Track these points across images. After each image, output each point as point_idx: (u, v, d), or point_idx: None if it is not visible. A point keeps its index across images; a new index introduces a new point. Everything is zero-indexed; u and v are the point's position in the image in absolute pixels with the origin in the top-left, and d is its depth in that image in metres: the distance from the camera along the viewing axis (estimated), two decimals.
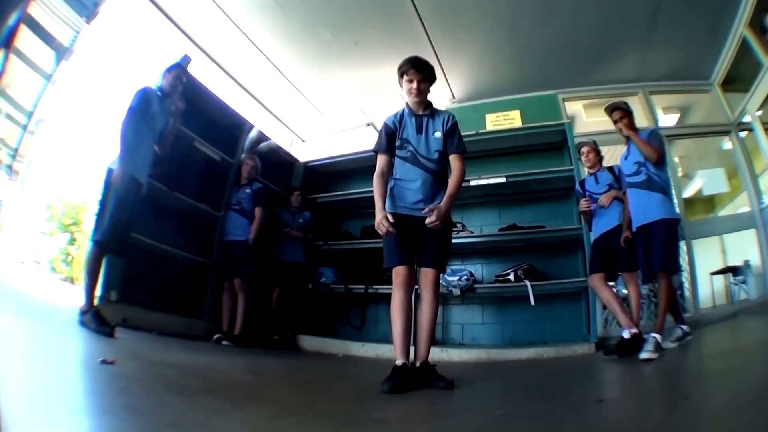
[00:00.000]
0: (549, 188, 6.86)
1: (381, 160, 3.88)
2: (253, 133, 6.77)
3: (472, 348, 6.22)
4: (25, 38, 5.61)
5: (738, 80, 7.87)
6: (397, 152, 3.82)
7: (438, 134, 3.74)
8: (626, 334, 4.91)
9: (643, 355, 4.33)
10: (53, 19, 5.82)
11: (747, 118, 7.73)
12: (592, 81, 8.58)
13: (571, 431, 2.12)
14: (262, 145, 6.91)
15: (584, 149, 5.87)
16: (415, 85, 3.67)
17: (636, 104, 8.46)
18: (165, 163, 5.37)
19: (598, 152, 5.87)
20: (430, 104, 3.86)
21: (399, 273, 3.55)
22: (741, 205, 8.73)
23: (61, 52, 6.06)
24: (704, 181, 10.21)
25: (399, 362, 3.31)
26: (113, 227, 4.43)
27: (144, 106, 4.74)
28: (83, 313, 4.19)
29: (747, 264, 8.36)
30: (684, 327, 4.85)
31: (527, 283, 6.16)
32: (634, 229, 5.02)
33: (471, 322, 6.90)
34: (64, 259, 19.55)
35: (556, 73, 8.30)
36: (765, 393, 2.39)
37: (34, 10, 5.61)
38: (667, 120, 9.28)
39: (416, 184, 3.69)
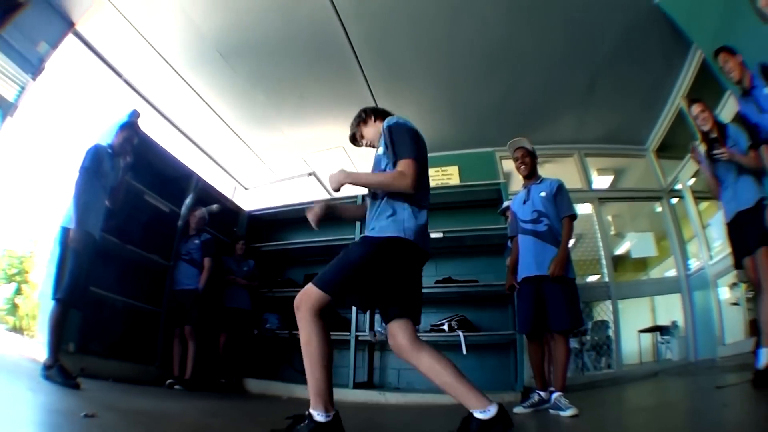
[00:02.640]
0: (484, 244, 7.05)
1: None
2: (189, 200, 6.86)
3: (407, 392, 6.41)
4: None
5: (672, 148, 8.26)
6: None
7: (380, 150, 3.27)
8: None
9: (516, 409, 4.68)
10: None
11: (679, 186, 8.14)
12: (530, 141, 8.90)
13: None
14: (198, 212, 6.93)
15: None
16: (361, 139, 3.56)
17: (571, 165, 8.92)
18: (116, 217, 5.49)
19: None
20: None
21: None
22: (669, 268, 9.05)
23: (6, 108, 6.10)
24: (633, 244, 10.60)
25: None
26: (74, 284, 4.53)
27: (96, 165, 4.87)
28: (47, 368, 4.30)
29: (674, 324, 8.64)
30: (542, 394, 4.68)
31: (460, 333, 6.35)
32: (519, 277, 4.92)
33: (407, 368, 6.99)
34: (10, 310, 19.31)
35: (494, 132, 8.68)
36: None
37: None
38: (601, 181, 9.70)
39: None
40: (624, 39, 6.63)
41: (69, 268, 4.55)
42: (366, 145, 3.53)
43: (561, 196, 4.89)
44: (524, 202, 5.05)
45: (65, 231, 4.70)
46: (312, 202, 3.06)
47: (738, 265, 4.46)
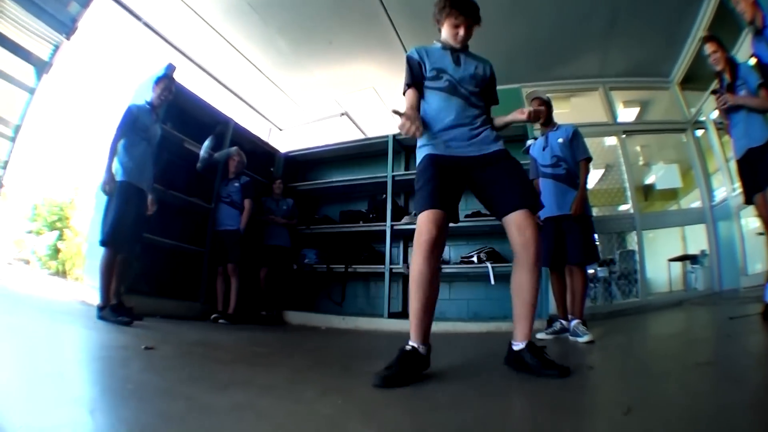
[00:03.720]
0: None
1: (410, 95, 3.15)
2: (208, 143, 6.91)
3: (439, 321, 6.60)
4: (2, 57, 5.91)
5: (696, 80, 8.12)
6: (429, 83, 3.15)
7: (481, 70, 3.18)
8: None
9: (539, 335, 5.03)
10: (30, 37, 6.09)
11: (703, 118, 8.07)
12: (555, 76, 8.96)
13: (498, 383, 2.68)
14: (217, 154, 7.15)
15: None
16: (462, 32, 3.11)
17: (596, 98, 8.95)
18: (160, 165, 5.76)
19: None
20: (467, 45, 3.26)
21: (427, 222, 2.76)
22: (695, 199, 8.95)
23: (41, 66, 6.29)
24: (658, 176, 10.57)
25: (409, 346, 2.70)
26: (122, 230, 4.89)
27: (130, 122, 5.15)
28: (101, 308, 4.68)
29: (704, 253, 8.54)
30: (563, 322, 5.07)
31: (488, 264, 6.60)
32: (542, 217, 5.15)
33: (439, 298, 7.21)
34: (52, 255, 19.81)
35: (520, 68, 8.63)
36: None
37: (9, 31, 5.90)
38: (627, 114, 9.62)
39: (455, 116, 3.03)
40: None
41: (116, 217, 4.87)
42: (463, 37, 3.17)
43: (576, 141, 5.17)
44: (543, 149, 5.32)
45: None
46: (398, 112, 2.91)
47: (748, 200, 4.52)
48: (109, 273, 4.84)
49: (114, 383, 2.31)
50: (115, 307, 4.71)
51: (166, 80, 5.64)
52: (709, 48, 4.74)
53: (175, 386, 2.29)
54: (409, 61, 3.23)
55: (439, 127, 3.05)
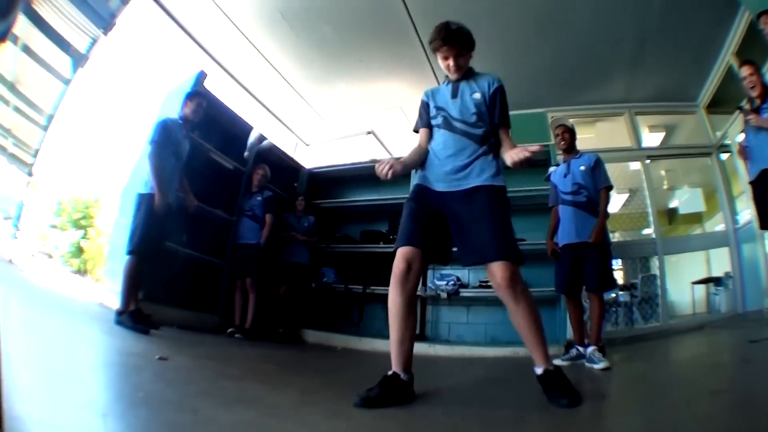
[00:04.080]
0: (532, 204, 7.14)
1: (420, 136, 3.38)
2: (253, 138, 7.03)
3: (456, 345, 6.69)
4: (41, 44, 5.85)
5: (723, 103, 8.03)
6: (433, 122, 3.28)
7: (477, 95, 3.17)
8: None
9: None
10: (71, 27, 6.09)
11: (728, 141, 8.01)
12: (580, 101, 8.91)
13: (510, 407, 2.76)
14: (264, 143, 7.26)
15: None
16: (452, 62, 3.17)
17: (621, 123, 8.93)
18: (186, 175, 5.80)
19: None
20: (470, 69, 3.34)
21: (399, 258, 2.87)
22: (719, 222, 8.83)
23: (77, 59, 6.31)
24: (681, 201, 10.55)
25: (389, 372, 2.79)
26: (149, 241, 5.02)
27: (165, 137, 5.26)
28: (120, 313, 4.75)
29: (728, 275, 8.45)
30: (580, 348, 5.04)
31: None
32: (560, 243, 5.32)
33: (457, 322, 7.42)
34: (75, 253, 20.01)
35: (545, 93, 8.65)
36: None
37: (51, 18, 5.86)
38: (652, 138, 9.59)
39: (448, 151, 3.12)
40: None
41: (145, 227, 5.01)
42: (454, 68, 3.23)
43: (598, 170, 5.22)
44: (565, 176, 5.38)
45: (141, 197, 5.12)
46: (376, 160, 3.03)
47: (764, 225, 4.54)
48: (133, 281, 4.92)
49: (126, 390, 2.38)
50: (134, 314, 4.75)
51: (199, 97, 5.76)
52: (745, 71, 4.75)
53: (183, 398, 2.33)
54: (420, 106, 3.42)
55: (434, 162, 3.16)
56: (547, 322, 6.25)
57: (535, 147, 2.75)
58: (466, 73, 3.28)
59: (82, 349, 3.41)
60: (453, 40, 3.13)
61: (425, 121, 3.34)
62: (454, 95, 3.22)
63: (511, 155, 2.83)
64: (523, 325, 2.80)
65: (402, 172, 3.02)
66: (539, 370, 2.77)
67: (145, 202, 5.11)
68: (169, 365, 3.21)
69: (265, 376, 3.65)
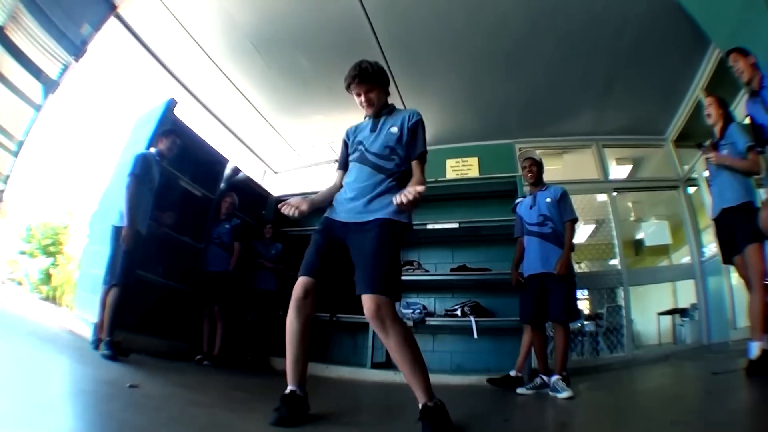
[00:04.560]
0: (498, 233, 7.21)
1: (335, 176, 3.56)
2: (229, 170, 7.03)
3: None
4: (13, 70, 5.92)
5: (692, 137, 8.01)
6: (350, 157, 3.42)
7: (395, 129, 3.26)
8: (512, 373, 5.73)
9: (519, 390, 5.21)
10: (42, 54, 6.10)
11: (696, 175, 8.15)
12: (548, 133, 9.08)
13: None
14: (240, 175, 7.28)
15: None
16: (363, 98, 3.32)
17: (589, 156, 9.04)
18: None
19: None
20: (391, 105, 3.47)
21: (299, 285, 3.07)
22: (686, 255, 8.98)
23: (49, 85, 6.33)
24: (647, 233, 10.75)
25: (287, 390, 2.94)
26: (130, 273, 5.17)
27: (145, 171, 5.36)
28: (99, 340, 4.85)
29: (694, 307, 8.53)
30: (544, 377, 5.08)
31: (472, 318, 6.70)
32: (526, 274, 5.41)
33: (422, 350, 7.00)
34: (44, 280, 19.83)
35: (513, 124, 8.84)
36: None
37: (23, 44, 5.89)
38: (620, 171, 9.75)
39: (357, 183, 3.21)
40: (643, 33, 6.63)
41: (126, 260, 5.11)
42: (366, 103, 3.37)
43: (564, 203, 5.34)
44: (531, 207, 5.50)
45: (117, 230, 5.20)
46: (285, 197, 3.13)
47: (726, 260, 4.60)
48: (116, 311, 4.97)
49: (98, 419, 2.39)
50: (112, 343, 4.75)
51: (174, 135, 5.91)
52: (706, 101, 4.90)
53: (154, 427, 2.36)
54: (342, 144, 3.62)
55: (344, 196, 3.28)
56: (513, 352, 6.31)
57: (419, 189, 2.75)
58: (387, 109, 3.43)
59: (54, 377, 3.40)
60: (362, 77, 3.26)
61: (342, 161, 3.54)
62: (374, 129, 3.35)
63: (398, 195, 2.81)
64: (397, 359, 2.84)
65: (308, 210, 3.19)
66: (420, 405, 2.78)
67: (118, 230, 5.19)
68: (140, 393, 3.21)
69: (235, 404, 3.65)
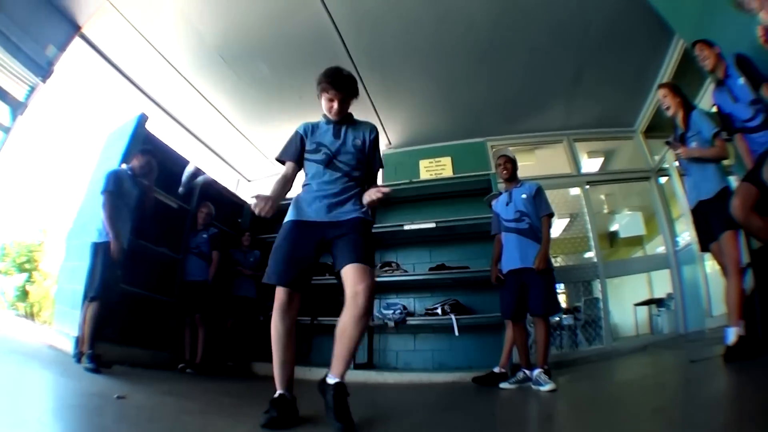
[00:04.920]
0: (475, 231, 7.29)
1: (287, 167, 3.54)
2: (189, 168, 6.87)
3: (405, 372, 6.80)
4: None
5: (660, 128, 8.20)
6: (309, 156, 3.44)
7: (359, 141, 3.41)
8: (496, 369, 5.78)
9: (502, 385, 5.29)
10: (8, 77, 6.10)
11: (666, 165, 8.21)
12: (519, 129, 9.15)
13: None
14: (200, 178, 7.13)
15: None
16: (336, 105, 3.34)
17: (561, 150, 9.11)
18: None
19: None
20: (350, 115, 3.55)
21: (281, 291, 3.11)
22: (660, 245, 9.02)
23: (16, 107, 6.27)
24: (621, 225, 10.84)
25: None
26: (110, 286, 5.22)
27: (117, 187, 5.45)
28: (81, 354, 4.87)
29: (670, 296, 8.68)
30: (526, 371, 5.16)
31: (452, 316, 6.81)
32: (505, 270, 5.47)
33: (404, 349, 7.50)
34: (20, 297, 19.66)
35: (485, 122, 8.87)
36: None
37: None
38: (592, 164, 9.81)
39: (329, 187, 3.30)
40: (608, 28, 6.70)
41: (105, 274, 5.19)
42: (337, 110, 3.41)
43: (539, 198, 5.43)
44: (507, 204, 5.57)
45: (95, 246, 5.31)
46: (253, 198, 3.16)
47: (704, 249, 4.65)
48: (97, 324, 5.01)
49: None
50: (93, 355, 4.77)
51: (149, 155, 6.00)
52: (660, 93, 4.94)
53: None
54: (292, 136, 3.61)
55: (309, 196, 3.35)
56: (493, 347, 6.36)
57: (385, 189, 3.09)
58: (346, 117, 3.50)
59: (40, 393, 3.40)
60: (341, 85, 3.33)
61: (295, 154, 3.51)
62: (337, 136, 3.42)
63: (368, 194, 3.14)
64: (351, 338, 2.90)
65: (276, 205, 3.20)
66: (334, 380, 2.86)
67: (101, 250, 5.28)
68: (129, 404, 3.21)
69: (224, 409, 3.67)
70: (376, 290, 3.03)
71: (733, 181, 4.54)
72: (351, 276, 2.91)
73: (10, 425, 2.21)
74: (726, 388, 3.33)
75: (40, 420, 2.44)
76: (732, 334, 3.97)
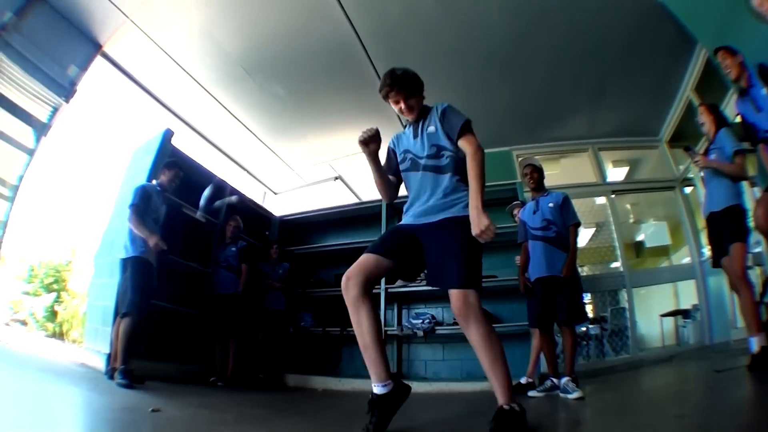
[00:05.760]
0: (501, 240, 7.22)
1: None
2: (206, 193, 6.81)
3: (433, 381, 6.81)
4: (2, 119, 5.98)
5: (685, 137, 8.14)
6: (402, 167, 3.37)
7: (431, 128, 3.23)
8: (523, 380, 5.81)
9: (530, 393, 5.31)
10: (31, 100, 6.24)
11: (691, 174, 8.17)
12: (544, 138, 9.18)
13: None
14: (217, 203, 7.10)
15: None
16: (403, 105, 3.25)
17: (586, 159, 9.11)
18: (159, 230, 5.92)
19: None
20: (425, 107, 3.38)
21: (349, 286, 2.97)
22: (686, 255, 9.05)
23: (39, 128, 6.39)
24: (647, 235, 10.76)
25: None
26: (143, 301, 5.25)
27: (144, 202, 5.51)
28: (113, 370, 4.94)
29: (696, 307, 8.62)
30: (554, 380, 5.13)
31: None
32: (532, 278, 5.47)
33: (433, 359, 7.51)
34: (49, 317, 19.85)
35: (509, 131, 8.92)
36: None
37: (9, 93, 6.02)
38: (617, 173, 9.77)
39: (422, 190, 3.17)
40: (630, 37, 6.74)
41: (136, 289, 5.24)
42: (404, 110, 3.31)
43: (566, 207, 5.44)
44: (534, 212, 5.58)
45: (124, 261, 5.40)
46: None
47: (716, 264, 4.71)
48: (131, 340, 5.07)
49: None
50: (126, 371, 4.84)
51: (176, 168, 6.04)
52: (699, 110, 4.98)
53: None
54: (387, 152, 3.51)
55: (410, 205, 3.23)
56: (522, 356, 6.37)
57: (483, 225, 2.73)
58: (422, 112, 3.34)
59: (75, 409, 3.46)
60: (399, 84, 3.22)
61: (392, 168, 3.43)
62: (416, 135, 3.30)
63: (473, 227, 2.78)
64: (479, 355, 2.80)
65: (375, 148, 3.18)
66: (497, 406, 2.69)
67: (130, 265, 5.35)
68: (163, 416, 3.26)
69: (257, 420, 3.71)
70: (403, 300, 2.97)
71: (757, 192, 4.57)
72: (452, 300, 2.83)
73: None
74: (749, 397, 3.37)
75: None
76: (755, 344, 4.02)
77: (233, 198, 7.35)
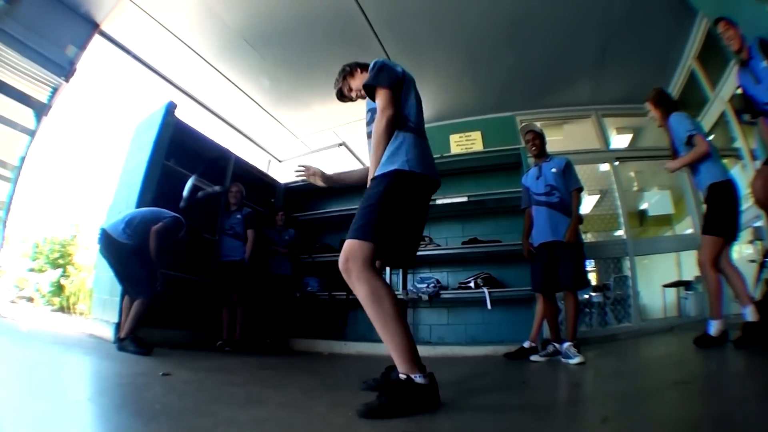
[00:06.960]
0: (506, 205, 7.37)
1: None
2: (189, 183, 6.84)
3: (438, 345, 6.88)
4: (2, 103, 6.05)
5: (688, 106, 7.74)
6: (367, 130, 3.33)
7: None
8: (526, 344, 5.92)
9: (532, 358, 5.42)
10: (30, 82, 6.28)
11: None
12: (547, 104, 9.12)
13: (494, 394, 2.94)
14: (200, 194, 7.03)
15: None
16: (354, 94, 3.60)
17: (589, 125, 9.10)
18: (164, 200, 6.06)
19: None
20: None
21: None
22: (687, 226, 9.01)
23: (39, 109, 6.42)
24: (650, 203, 10.73)
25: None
26: (151, 285, 5.40)
27: (168, 236, 5.61)
28: (121, 340, 5.01)
29: (698, 279, 8.71)
30: (556, 345, 5.27)
31: (485, 290, 6.87)
32: (535, 243, 5.57)
33: (437, 323, 7.62)
34: (56, 292, 19.95)
35: (513, 97, 8.89)
36: None
37: (7, 77, 6.07)
38: (621, 140, 9.81)
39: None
40: (633, 3, 6.71)
41: (144, 272, 5.39)
42: (356, 97, 3.62)
43: (569, 172, 5.52)
44: (537, 178, 5.67)
45: (120, 245, 5.38)
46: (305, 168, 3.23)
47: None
48: (143, 315, 5.20)
49: (142, 405, 2.46)
50: (135, 339, 4.94)
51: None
52: (647, 106, 5.33)
53: (199, 405, 2.49)
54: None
55: None
56: (525, 322, 6.44)
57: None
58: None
59: (87, 377, 3.55)
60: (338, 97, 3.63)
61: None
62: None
63: None
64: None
65: (321, 183, 3.47)
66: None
67: (133, 252, 5.35)
68: (174, 379, 3.35)
69: (266, 380, 3.83)
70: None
71: (758, 164, 4.59)
72: None
73: (65, 404, 2.35)
74: (745, 366, 3.48)
75: (93, 399, 2.58)
76: (713, 326, 4.52)
77: (216, 188, 7.34)
